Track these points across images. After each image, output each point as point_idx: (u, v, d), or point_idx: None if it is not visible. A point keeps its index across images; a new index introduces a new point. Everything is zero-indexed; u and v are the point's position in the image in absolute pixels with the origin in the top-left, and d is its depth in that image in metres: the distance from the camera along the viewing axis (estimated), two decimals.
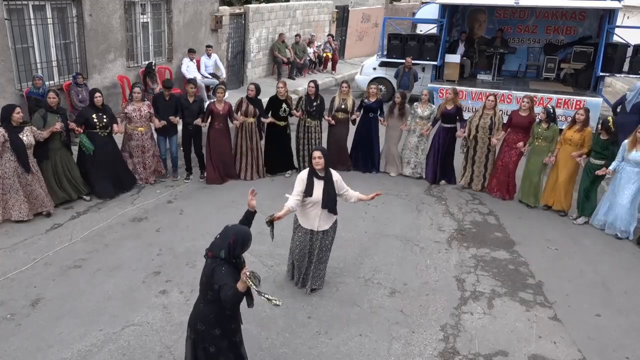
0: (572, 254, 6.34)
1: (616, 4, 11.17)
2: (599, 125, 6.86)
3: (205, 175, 8.01)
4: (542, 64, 13.32)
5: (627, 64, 11.26)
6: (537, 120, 7.33)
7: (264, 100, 8.22)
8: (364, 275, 5.65)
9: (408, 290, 5.42)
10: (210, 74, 11.82)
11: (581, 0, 12.32)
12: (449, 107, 7.93)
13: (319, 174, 4.83)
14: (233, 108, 7.87)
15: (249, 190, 3.97)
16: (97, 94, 6.91)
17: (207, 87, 11.62)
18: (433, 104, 8.57)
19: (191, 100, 7.66)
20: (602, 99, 11.38)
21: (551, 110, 7.33)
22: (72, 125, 6.83)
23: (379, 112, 8.41)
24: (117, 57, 9.88)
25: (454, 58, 12.76)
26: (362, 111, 8.42)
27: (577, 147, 6.97)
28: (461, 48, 13.64)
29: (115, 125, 7.11)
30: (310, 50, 16.06)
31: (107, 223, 6.49)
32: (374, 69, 13.81)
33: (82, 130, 6.87)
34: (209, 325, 3.43)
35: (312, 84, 8.12)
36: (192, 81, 7.86)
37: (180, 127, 7.95)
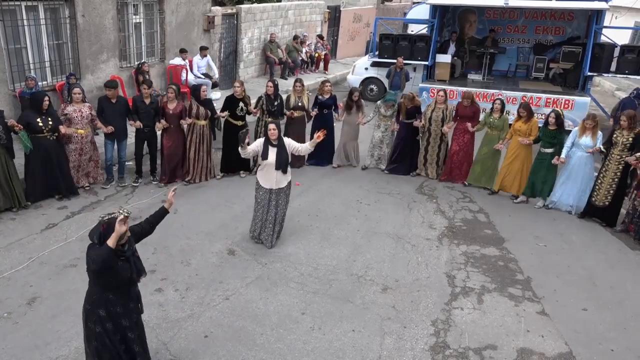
0: (560, 251, 6.47)
1: (604, 5, 11.32)
2: (551, 117, 7.35)
3: (158, 178, 7.81)
4: (531, 64, 13.48)
5: (615, 64, 11.43)
6: (488, 111, 8.14)
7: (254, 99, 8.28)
8: (357, 272, 5.74)
9: (400, 286, 5.52)
10: (203, 74, 11.86)
11: (570, 1, 12.50)
12: (409, 106, 8.35)
13: (273, 143, 5.78)
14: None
15: (171, 189, 4.21)
16: (46, 98, 6.61)
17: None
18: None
19: (147, 101, 7.40)
20: (590, 98, 11.55)
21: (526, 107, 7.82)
22: (12, 122, 6.46)
23: (333, 108, 8.66)
24: (109, 58, 9.90)
25: (444, 58, 12.88)
26: (317, 108, 8.56)
27: (526, 136, 7.60)
28: (452, 48, 13.76)
29: (61, 127, 6.75)
30: (302, 50, 16.13)
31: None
32: (366, 68, 13.91)
33: (22, 128, 6.47)
34: (94, 305, 3.59)
35: (270, 84, 8.13)
36: (147, 82, 7.64)
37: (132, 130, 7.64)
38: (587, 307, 5.32)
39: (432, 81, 12.61)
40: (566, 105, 11.18)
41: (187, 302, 5.06)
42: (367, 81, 13.89)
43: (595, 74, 11.68)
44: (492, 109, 7.99)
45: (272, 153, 5.78)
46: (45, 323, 4.65)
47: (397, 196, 7.87)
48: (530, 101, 11.32)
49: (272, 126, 5.79)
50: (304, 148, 6.00)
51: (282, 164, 5.81)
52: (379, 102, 8.77)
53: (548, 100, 11.32)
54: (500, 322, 5.02)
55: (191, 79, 11.39)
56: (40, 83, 8.47)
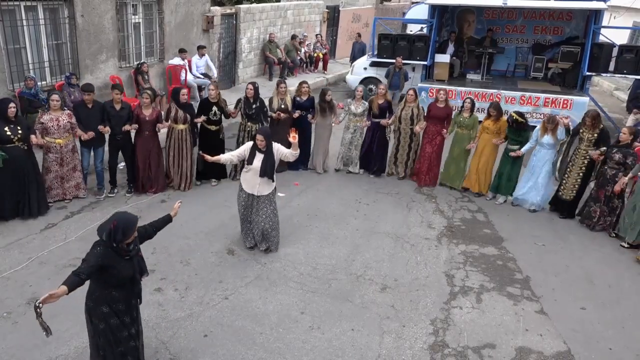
0: (558, 250, 6.49)
1: (602, 5, 11.34)
2: (509, 121, 7.50)
3: (132, 189, 7.41)
4: (530, 64, 13.49)
5: (613, 64, 11.46)
6: (458, 110, 8.03)
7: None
8: (356, 272, 5.76)
9: (399, 285, 5.53)
10: (202, 74, 11.87)
11: (568, 1, 12.53)
12: (381, 101, 8.23)
13: (261, 149, 5.64)
14: (163, 115, 7.35)
15: (177, 202, 4.51)
16: (11, 105, 6.13)
17: (200, 87, 11.69)
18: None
19: (118, 107, 6.98)
20: (588, 98, 11.57)
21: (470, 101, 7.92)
22: None
23: (310, 110, 8.41)
24: (109, 58, 9.91)
25: (443, 58, 12.89)
26: (296, 109, 8.29)
27: (494, 134, 7.65)
28: (451, 48, 13.78)
29: (32, 137, 6.28)
30: (301, 49, 16.14)
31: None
32: (365, 68, 13.92)
33: None
34: (97, 302, 3.60)
35: (250, 86, 7.70)
36: (117, 87, 7.18)
37: (107, 138, 7.22)
38: (585, 306, 5.34)
39: (431, 81, 12.62)
40: (565, 105, 11.21)
41: (186, 302, 5.07)
42: (366, 81, 13.89)
43: (593, 73, 11.68)
44: (462, 107, 7.91)
45: (258, 160, 5.64)
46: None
47: (395, 196, 7.89)
48: (529, 101, 11.42)
49: (259, 137, 5.57)
50: (290, 153, 5.74)
51: (267, 171, 5.65)
52: (348, 99, 8.56)
53: (547, 100, 11.35)
54: (499, 321, 5.04)
55: (190, 79, 11.41)
56: (39, 83, 8.48)
